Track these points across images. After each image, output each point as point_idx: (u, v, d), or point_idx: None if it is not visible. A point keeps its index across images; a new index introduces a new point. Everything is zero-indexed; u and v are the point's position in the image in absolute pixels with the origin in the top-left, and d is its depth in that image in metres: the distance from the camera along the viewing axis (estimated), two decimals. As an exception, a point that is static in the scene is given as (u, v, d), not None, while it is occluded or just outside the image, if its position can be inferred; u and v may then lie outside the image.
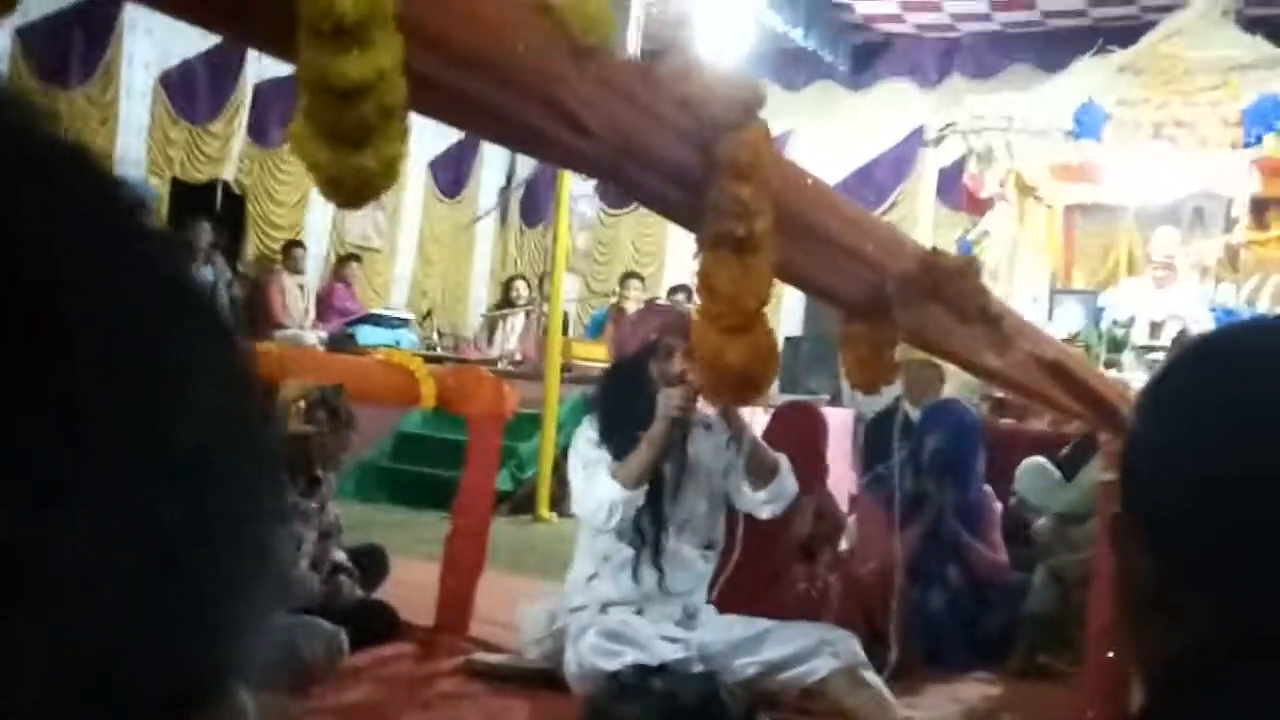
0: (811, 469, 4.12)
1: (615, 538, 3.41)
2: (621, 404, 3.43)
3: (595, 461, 3.36)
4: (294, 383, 3.67)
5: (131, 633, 0.28)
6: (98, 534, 0.28)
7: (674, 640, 3.28)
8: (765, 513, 3.51)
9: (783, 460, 3.47)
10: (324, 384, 3.73)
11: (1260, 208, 7.39)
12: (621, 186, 1.33)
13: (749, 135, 1.32)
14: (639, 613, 3.38)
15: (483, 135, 1.18)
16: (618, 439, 3.37)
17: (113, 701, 0.28)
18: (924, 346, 2.02)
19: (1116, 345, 7.10)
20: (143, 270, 0.31)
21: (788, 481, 3.48)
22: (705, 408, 3.50)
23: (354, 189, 0.91)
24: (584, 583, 3.46)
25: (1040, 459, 4.79)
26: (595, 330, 10.81)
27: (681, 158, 1.31)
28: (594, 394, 3.75)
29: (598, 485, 3.31)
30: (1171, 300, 7.18)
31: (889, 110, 11.53)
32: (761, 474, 3.43)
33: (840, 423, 7.03)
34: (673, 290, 10.22)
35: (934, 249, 1.89)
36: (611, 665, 3.14)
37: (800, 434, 4.17)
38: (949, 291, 1.81)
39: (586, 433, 3.47)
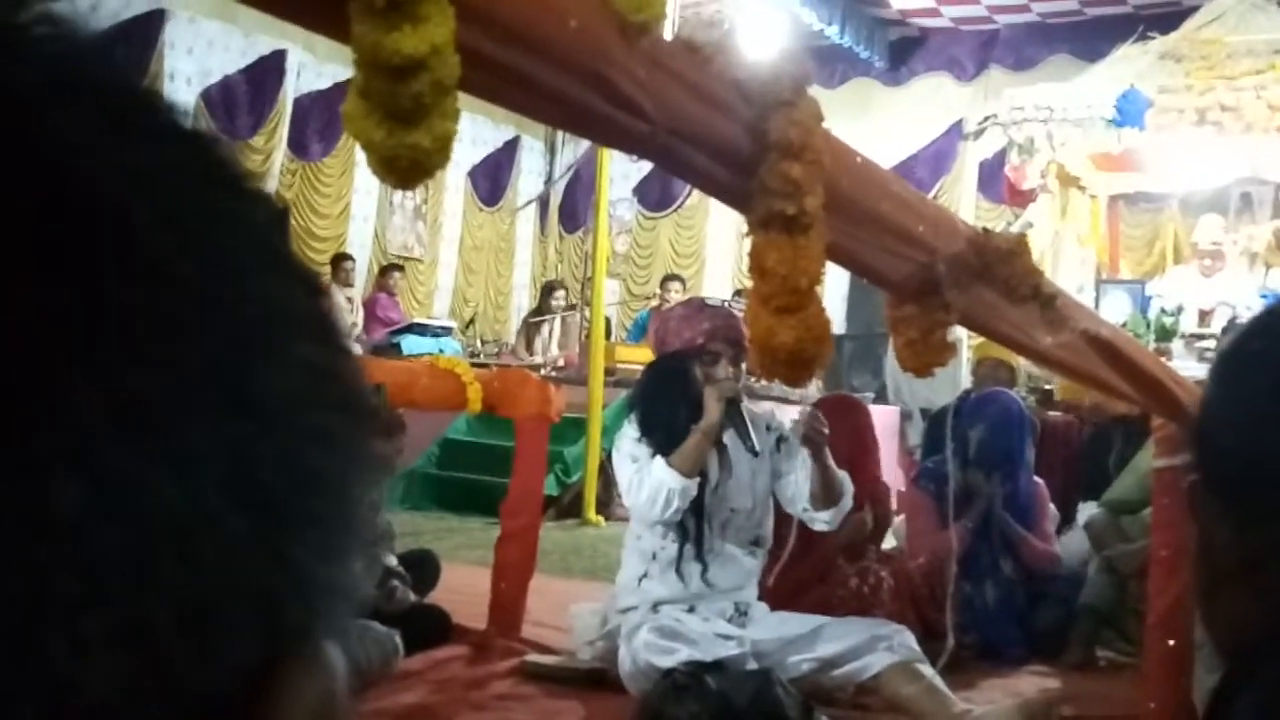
0: (857, 458, 4.09)
1: (661, 534, 3.40)
2: (662, 400, 3.42)
3: (644, 455, 3.35)
4: None
5: (222, 574, 0.28)
6: (190, 466, 0.27)
7: (727, 638, 3.27)
8: (820, 527, 3.52)
9: (847, 482, 3.46)
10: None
11: (1309, 192, 7.28)
12: (671, 167, 1.33)
13: (799, 114, 1.31)
14: (690, 610, 3.37)
15: (533, 115, 1.18)
16: (661, 434, 3.36)
17: (206, 642, 0.28)
18: (975, 328, 2.00)
19: (1165, 334, 7.02)
20: (243, 222, 0.32)
21: (848, 501, 3.48)
22: (781, 414, 3.48)
23: (408, 167, 0.91)
24: (635, 583, 3.45)
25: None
26: (638, 334, 10.81)
27: (731, 137, 1.30)
28: (635, 391, 3.72)
29: (652, 475, 3.29)
30: (1220, 287, 7.09)
31: (927, 105, 11.48)
32: (830, 498, 3.43)
33: (886, 420, 6.99)
34: (736, 294, 10.14)
35: (985, 229, 1.87)
36: (666, 662, 3.13)
37: (844, 423, 4.13)
38: (1001, 272, 1.80)
39: (630, 430, 3.47)
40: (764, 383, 6.09)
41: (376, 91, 0.88)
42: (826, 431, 3.38)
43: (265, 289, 0.31)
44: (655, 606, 3.37)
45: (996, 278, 1.79)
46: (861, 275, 1.78)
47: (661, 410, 3.40)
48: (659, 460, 3.29)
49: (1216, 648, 0.90)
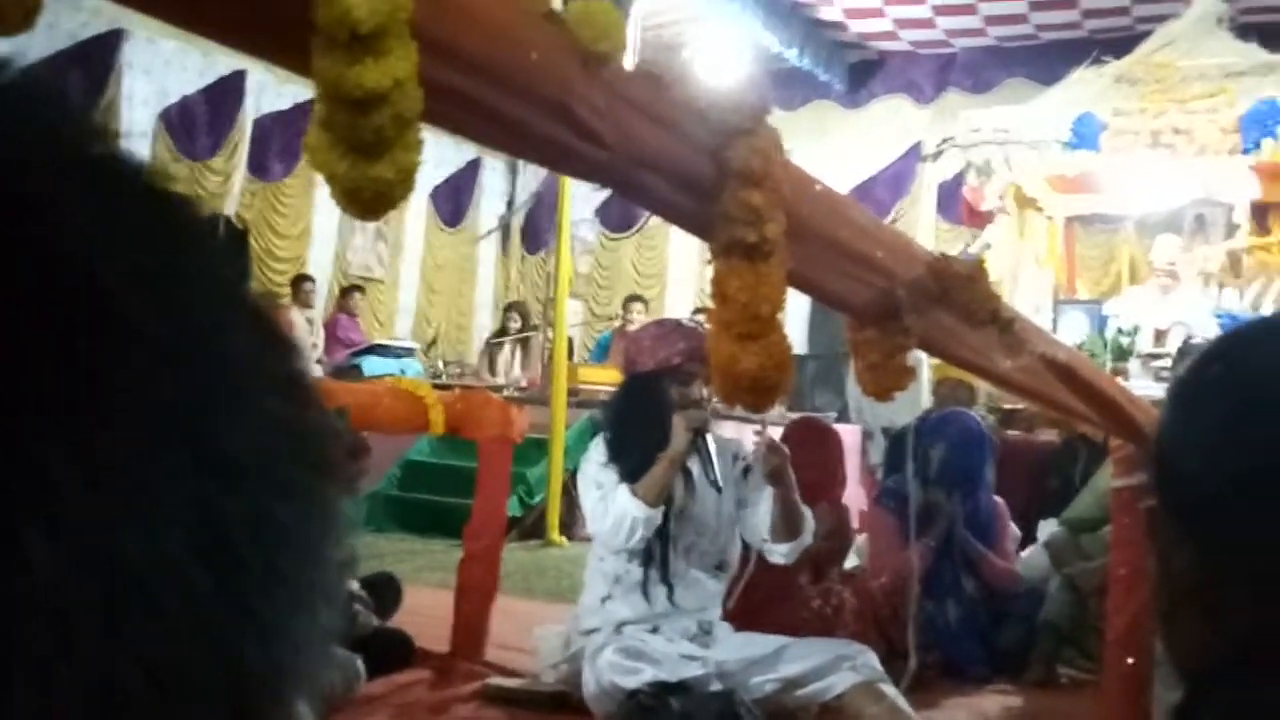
0: (825, 484, 4.12)
1: (625, 559, 3.39)
2: (635, 422, 3.41)
3: (609, 481, 3.34)
4: None
5: (189, 629, 0.28)
6: (155, 523, 0.27)
7: (691, 658, 3.27)
8: (778, 560, 3.50)
9: (809, 517, 3.45)
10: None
11: (1261, 212, 7.41)
12: (632, 194, 1.34)
13: (760, 142, 1.33)
14: (654, 631, 3.37)
15: (495, 145, 1.19)
16: (630, 458, 3.35)
17: (173, 698, 0.28)
18: (935, 352, 2.02)
19: (1122, 354, 7.10)
20: (212, 279, 0.32)
21: (808, 537, 3.47)
22: (733, 435, 3.47)
23: (371, 199, 0.91)
24: (598, 604, 3.44)
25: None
26: (601, 354, 10.82)
27: (693, 165, 1.31)
28: (605, 410, 3.70)
29: (616, 503, 3.28)
30: (1175, 307, 7.19)
31: (886, 127, 11.59)
32: (790, 531, 3.41)
33: (848, 440, 7.01)
34: (697, 311, 10.19)
35: (943, 255, 1.89)
36: (630, 683, 3.12)
37: (815, 449, 4.16)
38: (960, 296, 1.82)
39: (596, 454, 3.45)
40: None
41: (338, 124, 0.88)
42: (787, 455, 3.37)
43: (235, 347, 0.31)
44: (619, 627, 3.36)
45: (955, 302, 1.81)
46: (822, 301, 1.79)
47: (633, 432, 3.39)
48: (623, 488, 3.28)
49: (1176, 668, 0.91)
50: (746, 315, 1.32)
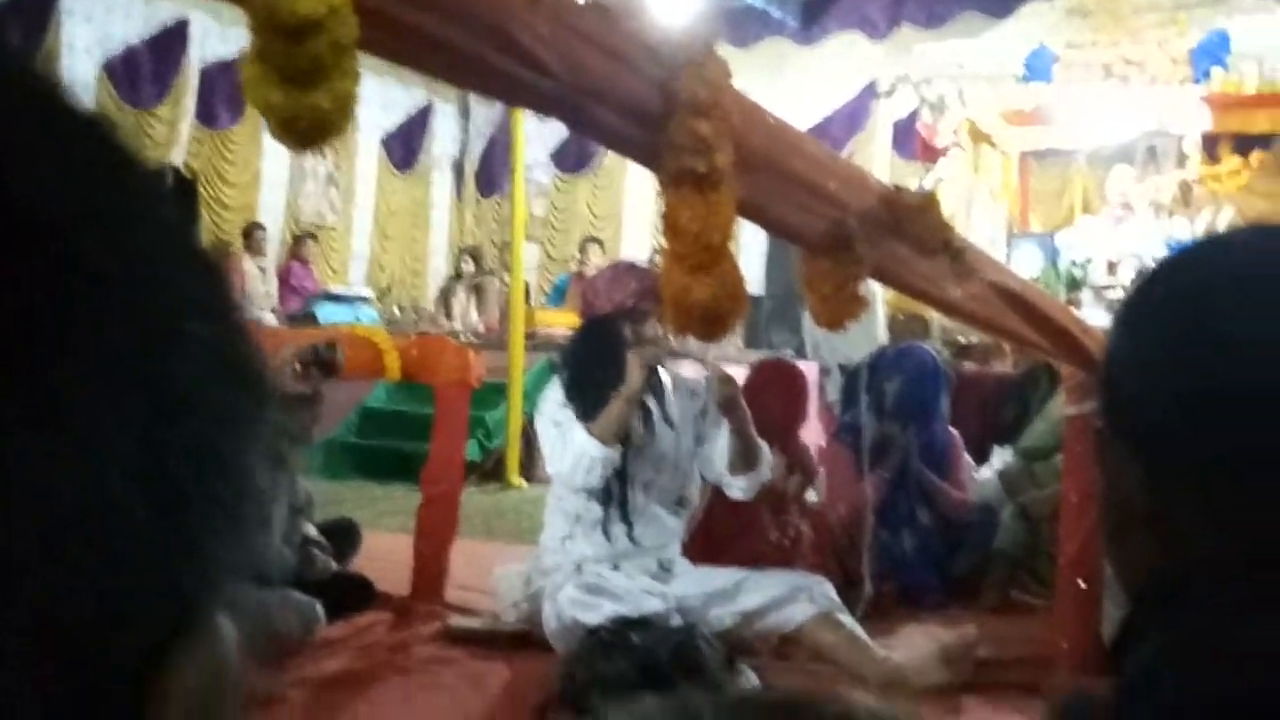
0: (787, 423, 4.15)
1: (585, 497, 3.41)
2: (593, 364, 3.41)
3: (567, 420, 3.35)
4: (286, 346, 3.65)
5: (128, 559, 0.29)
6: (98, 458, 0.28)
7: (652, 593, 3.29)
8: (737, 495, 3.53)
9: (765, 452, 3.48)
10: (316, 343, 3.70)
11: (1211, 143, 7.46)
12: (581, 125, 1.32)
13: (708, 71, 1.32)
14: (615, 568, 3.39)
15: (435, 74, 1.17)
16: (587, 399, 3.36)
17: (114, 625, 0.29)
18: (887, 282, 2.03)
19: (1075, 285, 7.17)
20: (146, 212, 0.32)
21: (765, 471, 3.50)
22: (693, 374, 3.48)
23: (308, 129, 0.90)
24: (559, 543, 3.46)
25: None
26: (558, 298, 10.79)
27: (641, 95, 1.30)
28: (564, 353, 3.70)
29: (574, 442, 3.29)
30: (1127, 239, 7.25)
31: (840, 64, 11.53)
32: (747, 463, 3.44)
33: (807, 377, 7.06)
34: (655, 253, 10.20)
35: (896, 186, 1.89)
36: (591, 618, 3.15)
37: (780, 391, 4.19)
38: (912, 226, 1.82)
39: (554, 393, 3.46)
40: (686, 341, 6.11)
41: (273, 54, 0.86)
42: (737, 384, 3.39)
43: (179, 284, 0.32)
44: (579, 565, 3.39)
45: (907, 232, 1.81)
46: (775, 232, 1.79)
47: (589, 373, 3.40)
48: (580, 428, 3.29)
49: (1123, 589, 0.92)
50: (698, 245, 1.32)
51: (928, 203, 1.85)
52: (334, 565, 3.96)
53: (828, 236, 1.69)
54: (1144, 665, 0.76)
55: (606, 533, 3.39)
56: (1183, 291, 0.82)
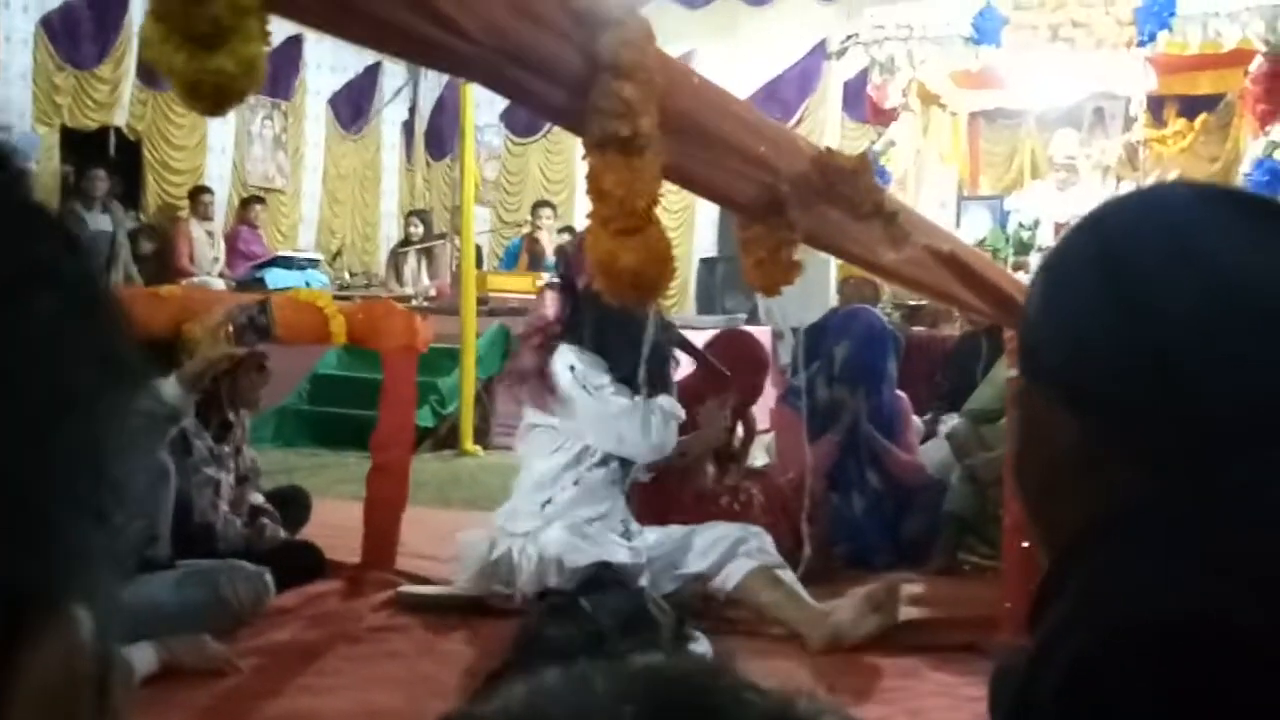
0: (747, 395, 4.22)
1: (589, 465, 3.49)
2: (606, 326, 3.46)
3: (605, 384, 3.43)
4: (218, 309, 3.60)
5: None
6: None
7: (630, 548, 3.41)
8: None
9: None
10: (247, 306, 3.64)
11: (1157, 105, 7.53)
12: (503, 89, 1.31)
13: (630, 33, 1.30)
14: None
15: (347, 36, 1.15)
16: (616, 356, 3.45)
17: None
18: (821, 246, 2.03)
19: (1024, 248, 7.22)
20: None
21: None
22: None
23: (213, 93, 0.88)
24: (537, 509, 3.49)
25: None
26: (511, 262, 10.73)
27: (563, 59, 1.28)
28: (570, 323, 3.63)
29: (634, 403, 3.40)
30: (1074, 201, 7.30)
31: (791, 24, 11.48)
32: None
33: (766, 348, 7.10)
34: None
35: (828, 149, 1.89)
36: (577, 560, 3.29)
37: (743, 365, 4.25)
38: (844, 190, 1.82)
39: (573, 357, 3.48)
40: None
41: (173, 14, 0.84)
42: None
43: (11, 250, 0.30)
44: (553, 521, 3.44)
45: (840, 196, 1.81)
46: (706, 197, 1.78)
47: (606, 336, 3.48)
48: (671, 421, 3.47)
49: (1043, 548, 0.93)
50: (623, 210, 1.31)
51: (859, 165, 1.85)
52: (283, 534, 3.93)
53: (759, 201, 1.68)
54: (1060, 615, 0.77)
55: (609, 495, 3.51)
56: (1104, 243, 0.82)
